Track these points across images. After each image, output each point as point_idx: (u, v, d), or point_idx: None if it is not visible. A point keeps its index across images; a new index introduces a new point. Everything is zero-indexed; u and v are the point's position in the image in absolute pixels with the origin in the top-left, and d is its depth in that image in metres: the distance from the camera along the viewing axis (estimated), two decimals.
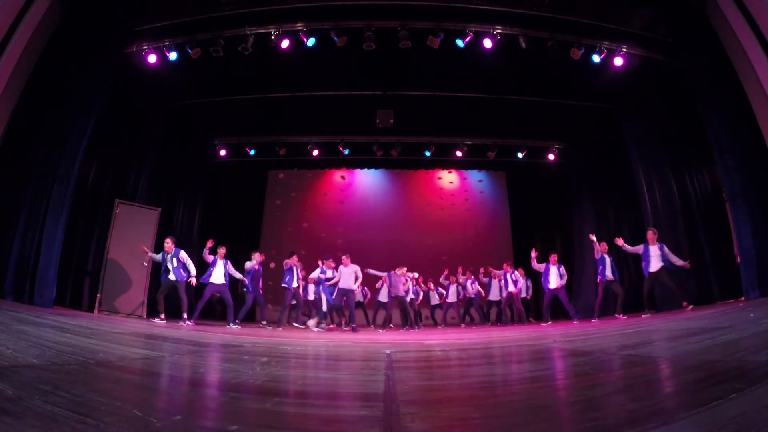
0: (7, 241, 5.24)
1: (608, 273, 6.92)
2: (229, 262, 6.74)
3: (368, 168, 12.02)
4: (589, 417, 1.01)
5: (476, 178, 12.20)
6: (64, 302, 6.28)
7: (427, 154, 10.87)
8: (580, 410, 1.11)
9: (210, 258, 6.62)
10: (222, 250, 6.69)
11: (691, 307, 5.77)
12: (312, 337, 4.85)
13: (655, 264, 6.34)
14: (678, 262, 6.26)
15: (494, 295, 8.88)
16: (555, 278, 7.43)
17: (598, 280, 7.05)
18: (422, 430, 0.98)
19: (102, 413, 0.97)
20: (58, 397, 1.05)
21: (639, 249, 6.59)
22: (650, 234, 6.51)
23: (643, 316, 6.19)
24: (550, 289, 7.46)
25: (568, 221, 10.91)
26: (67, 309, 5.99)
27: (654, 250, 6.38)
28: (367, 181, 12.15)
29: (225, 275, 6.60)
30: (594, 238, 7.15)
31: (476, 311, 9.21)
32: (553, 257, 7.62)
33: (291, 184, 12.07)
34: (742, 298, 5.52)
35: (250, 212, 11.57)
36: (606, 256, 6.99)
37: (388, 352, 2.93)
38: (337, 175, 12.13)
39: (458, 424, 1.06)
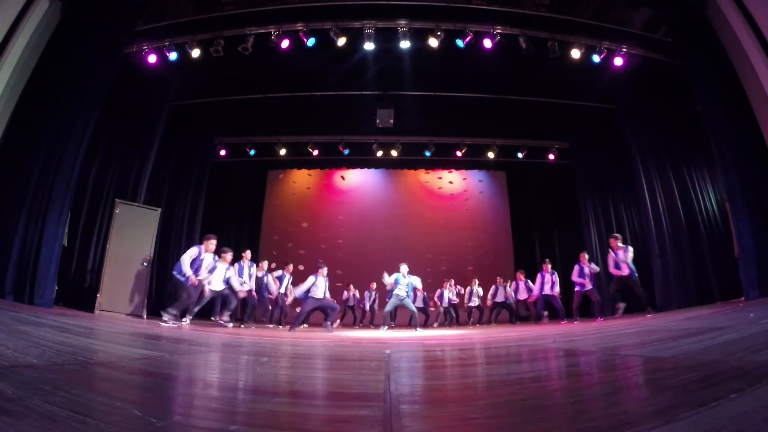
0: (7, 241, 5.24)
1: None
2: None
3: (368, 168, 12.03)
4: (588, 417, 1.01)
5: (476, 178, 12.21)
6: (64, 302, 6.28)
7: (427, 154, 10.90)
8: (580, 410, 1.11)
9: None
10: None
11: (650, 315, 5.91)
12: (313, 338, 4.85)
13: (621, 268, 6.44)
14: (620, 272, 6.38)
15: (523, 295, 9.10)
16: (547, 286, 7.74)
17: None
18: (422, 430, 0.98)
19: (102, 413, 0.97)
20: (58, 397, 1.05)
21: (609, 260, 6.62)
22: (612, 241, 6.63)
23: (598, 320, 6.35)
24: (544, 294, 7.72)
25: (568, 221, 10.92)
26: (67, 309, 5.98)
27: (620, 255, 6.46)
28: (367, 181, 12.16)
29: (224, 278, 6.58)
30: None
31: (526, 309, 9.30)
32: (546, 266, 7.90)
33: (291, 184, 12.08)
34: (742, 298, 5.52)
35: (250, 212, 11.57)
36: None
37: (388, 352, 2.93)
38: (337, 175, 12.13)
39: (458, 423, 1.06)
